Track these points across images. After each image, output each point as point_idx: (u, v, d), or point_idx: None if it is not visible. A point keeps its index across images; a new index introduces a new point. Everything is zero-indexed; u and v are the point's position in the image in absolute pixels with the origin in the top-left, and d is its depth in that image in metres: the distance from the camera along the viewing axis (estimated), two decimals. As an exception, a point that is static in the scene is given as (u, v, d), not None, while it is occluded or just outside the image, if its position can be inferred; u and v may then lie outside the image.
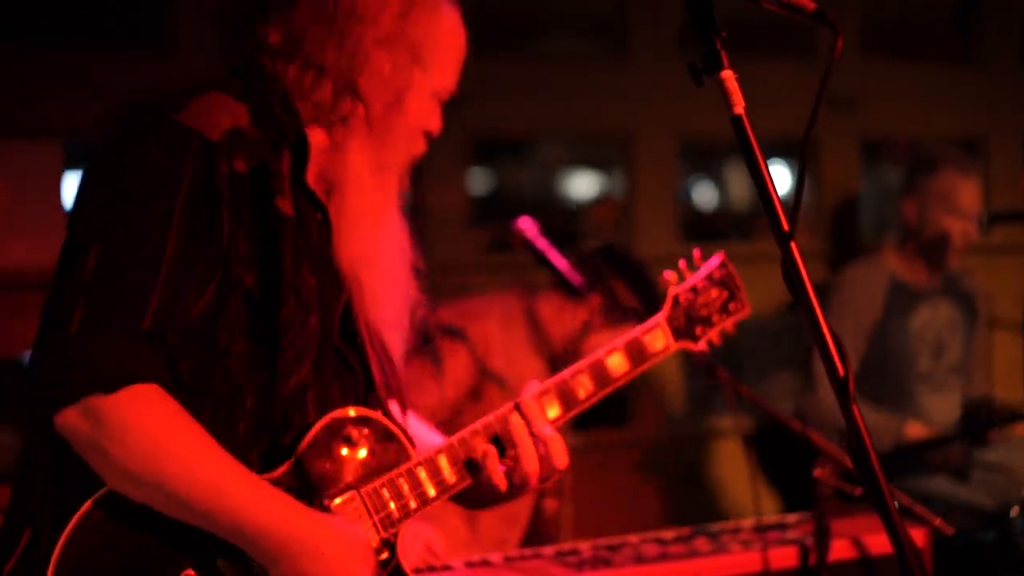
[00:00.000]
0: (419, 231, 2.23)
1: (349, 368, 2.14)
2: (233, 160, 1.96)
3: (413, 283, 2.22)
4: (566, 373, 2.29)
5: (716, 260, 2.46)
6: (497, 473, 2.16)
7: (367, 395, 2.16)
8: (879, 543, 3.26)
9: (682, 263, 2.41)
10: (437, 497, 2.13)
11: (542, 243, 3.59)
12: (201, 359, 1.94)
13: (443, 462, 2.14)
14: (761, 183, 1.66)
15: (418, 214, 4.53)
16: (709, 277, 2.44)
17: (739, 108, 1.68)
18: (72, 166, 4.33)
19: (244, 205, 1.96)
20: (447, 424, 3.68)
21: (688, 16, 1.74)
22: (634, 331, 2.35)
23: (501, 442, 2.19)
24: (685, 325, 2.41)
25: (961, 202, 4.53)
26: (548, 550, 3.27)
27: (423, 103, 2.15)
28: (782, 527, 3.45)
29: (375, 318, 2.17)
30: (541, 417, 2.21)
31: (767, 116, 4.51)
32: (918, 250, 4.62)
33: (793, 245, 1.66)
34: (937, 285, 4.69)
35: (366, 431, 2.09)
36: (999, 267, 5.56)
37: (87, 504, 1.87)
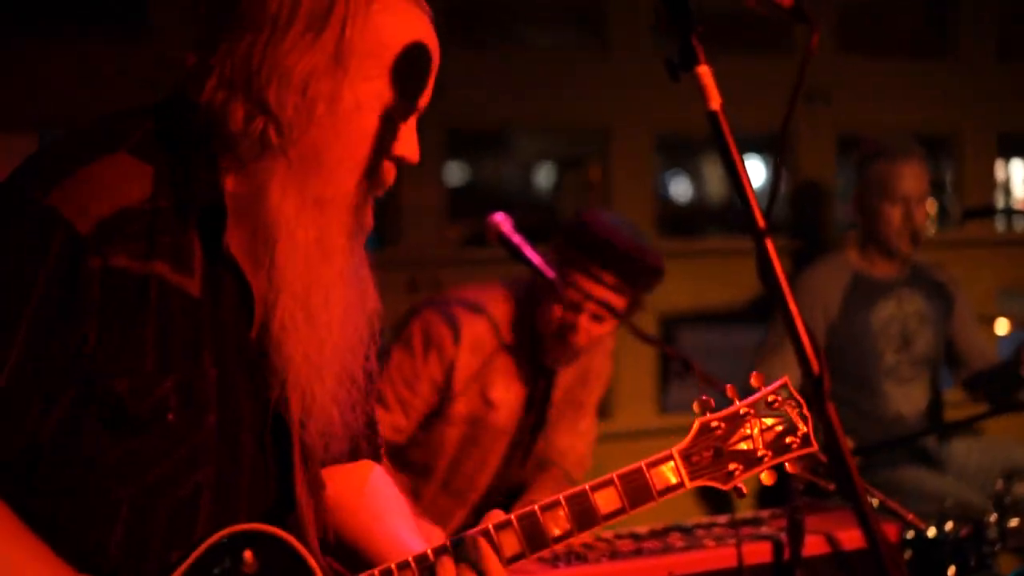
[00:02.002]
0: (393, 225, 2.06)
1: (266, 478, 1.86)
2: (110, 254, 1.70)
3: (365, 345, 1.91)
4: (538, 506, 1.93)
5: (773, 385, 2.03)
6: None
7: (283, 505, 1.88)
8: (853, 538, 3.27)
9: (729, 388, 2.01)
10: None
11: (517, 238, 3.58)
12: (63, 470, 1.73)
13: None
14: (737, 179, 1.66)
15: (392, 208, 4.51)
16: (759, 404, 2.02)
17: (715, 104, 1.66)
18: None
19: (121, 302, 1.71)
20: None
21: (666, 11, 1.73)
22: (637, 464, 1.98)
23: None
24: (712, 461, 1.99)
25: (895, 188, 4.58)
26: (523, 545, 3.26)
27: (365, 119, 1.79)
28: (756, 522, 3.46)
29: (312, 404, 1.86)
30: (491, 558, 1.87)
31: (742, 111, 4.52)
32: (870, 241, 4.67)
33: (768, 241, 1.65)
34: (903, 277, 4.72)
35: (266, 552, 1.80)
36: (972, 261, 5.58)
37: None
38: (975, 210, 5.35)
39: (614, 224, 3.62)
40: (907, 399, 4.65)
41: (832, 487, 3.01)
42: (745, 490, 1.99)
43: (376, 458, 2.15)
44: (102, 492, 1.73)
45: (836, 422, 1.62)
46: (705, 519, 3.50)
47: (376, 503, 2.10)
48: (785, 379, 2.04)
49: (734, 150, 1.66)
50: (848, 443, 4.23)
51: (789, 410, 2.01)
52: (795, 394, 2.03)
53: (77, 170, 1.71)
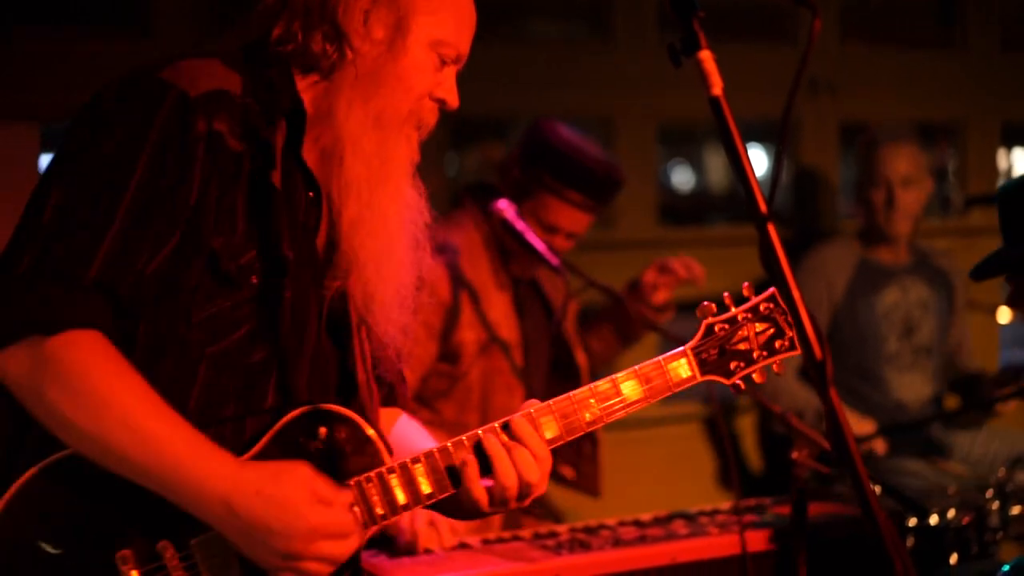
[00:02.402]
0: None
1: (326, 360, 2.06)
2: (214, 119, 1.91)
3: (421, 258, 2.10)
4: (572, 394, 2.13)
5: (765, 294, 2.23)
6: (478, 488, 2.03)
7: (345, 391, 2.08)
8: (857, 525, 3.28)
9: (726, 295, 2.22)
10: (409, 505, 2.01)
11: (520, 224, 3.59)
12: (160, 322, 1.90)
13: (419, 470, 2.01)
14: (738, 163, 1.66)
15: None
16: (753, 310, 2.21)
17: (717, 89, 1.67)
18: (49, 149, 4.31)
19: (222, 166, 1.91)
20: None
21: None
22: (655, 359, 2.18)
23: (486, 456, 2.05)
24: (717, 358, 2.19)
25: (877, 171, 4.64)
26: (526, 533, 3.28)
27: (419, 52, 2.03)
28: (760, 509, 3.47)
29: (371, 302, 2.05)
30: (532, 436, 2.06)
31: (746, 99, 4.52)
32: (868, 228, 4.71)
33: (771, 227, 1.66)
34: (907, 263, 4.73)
35: (337, 429, 1.98)
36: (976, 249, 5.57)
37: (31, 471, 1.84)
38: (978, 198, 5.36)
39: (579, 142, 3.71)
40: (908, 387, 4.65)
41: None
42: (743, 386, 2.19)
43: (406, 407, 2.33)
44: (190, 347, 1.91)
45: (839, 407, 1.63)
46: (708, 506, 3.51)
47: (404, 435, 2.27)
48: (773, 290, 2.21)
49: (736, 135, 1.66)
50: (870, 427, 4.26)
51: (778, 318, 2.22)
52: (782, 304, 2.21)
53: (181, 62, 1.95)
